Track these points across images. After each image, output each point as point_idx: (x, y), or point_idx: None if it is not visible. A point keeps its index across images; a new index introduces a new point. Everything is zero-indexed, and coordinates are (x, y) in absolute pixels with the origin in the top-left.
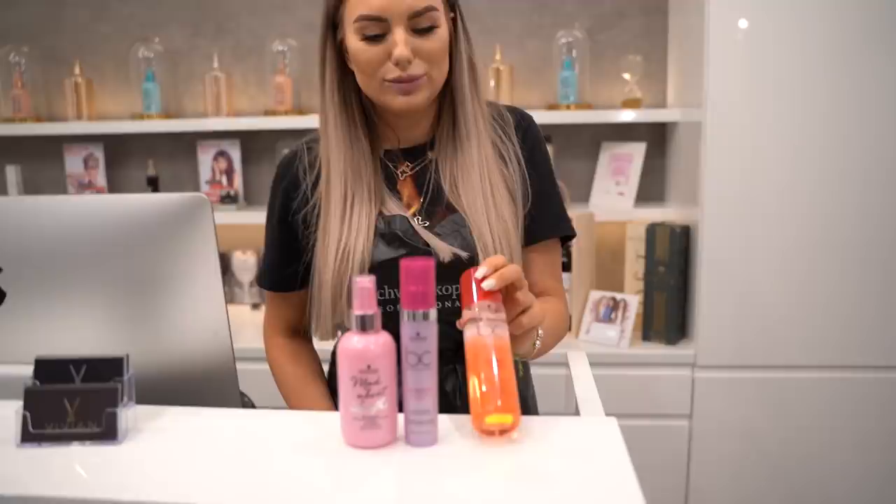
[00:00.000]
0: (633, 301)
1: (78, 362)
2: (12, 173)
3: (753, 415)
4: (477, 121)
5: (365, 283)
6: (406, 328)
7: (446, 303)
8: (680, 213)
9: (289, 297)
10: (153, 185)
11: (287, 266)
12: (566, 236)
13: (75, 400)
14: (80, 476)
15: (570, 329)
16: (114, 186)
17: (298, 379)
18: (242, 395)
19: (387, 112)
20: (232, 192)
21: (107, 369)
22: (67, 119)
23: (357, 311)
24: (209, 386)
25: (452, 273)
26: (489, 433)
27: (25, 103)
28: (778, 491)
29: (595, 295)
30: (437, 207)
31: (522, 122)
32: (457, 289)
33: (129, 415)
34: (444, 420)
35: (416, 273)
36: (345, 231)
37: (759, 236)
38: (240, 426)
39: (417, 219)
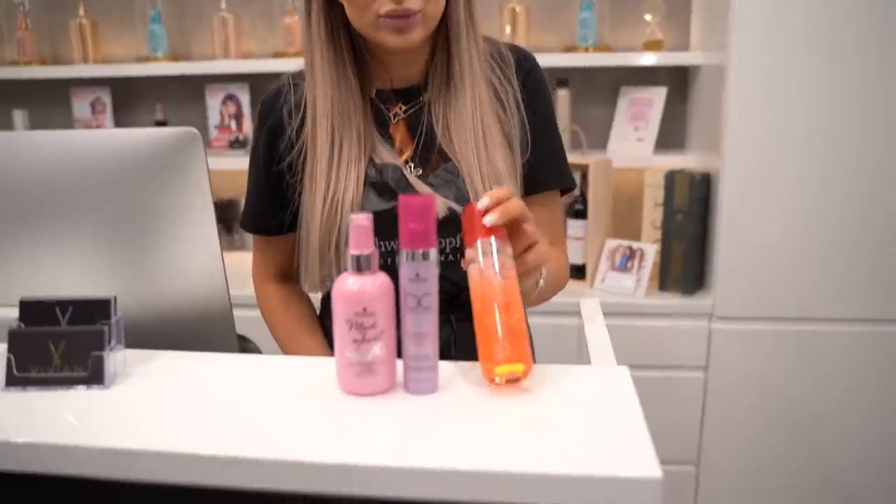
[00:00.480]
0: (651, 250)
1: (64, 304)
2: (19, 118)
3: (772, 368)
4: (472, 59)
5: (361, 221)
6: (405, 269)
7: (440, 256)
8: (700, 161)
9: (275, 241)
10: None
11: (273, 215)
12: (566, 187)
13: (60, 343)
14: (65, 421)
15: (584, 278)
16: None
17: (293, 322)
18: (248, 340)
19: (378, 49)
20: (241, 137)
21: (94, 311)
22: (73, 62)
23: (353, 251)
24: (205, 330)
25: (447, 227)
26: (499, 382)
27: (30, 46)
28: (794, 445)
29: (611, 243)
30: (431, 154)
31: (524, 64)
32: (450, 242)
33: (118, 358)
34: (445, 367)
35: (416, 210)
36: (332, 180)
37: (781, 185)
38: (232, 371)
39: (410, 166)
